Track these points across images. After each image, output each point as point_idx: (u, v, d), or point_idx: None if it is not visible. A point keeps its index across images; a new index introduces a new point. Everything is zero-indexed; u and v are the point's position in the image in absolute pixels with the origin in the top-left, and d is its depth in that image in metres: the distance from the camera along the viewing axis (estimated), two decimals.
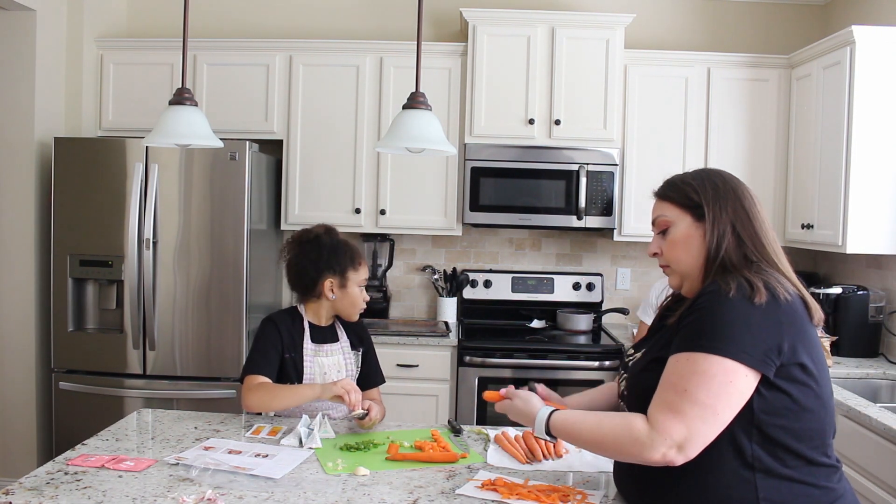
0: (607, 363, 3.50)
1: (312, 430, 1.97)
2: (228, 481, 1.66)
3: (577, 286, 4.06)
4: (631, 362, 1.59)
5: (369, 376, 2.38)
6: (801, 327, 1.38)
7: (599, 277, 4.09)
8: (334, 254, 2.28)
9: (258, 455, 1.84)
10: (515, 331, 3.90)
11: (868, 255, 3.52)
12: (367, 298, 2.35)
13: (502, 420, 3.56)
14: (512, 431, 2.06)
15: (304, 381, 2.24)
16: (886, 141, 3.19)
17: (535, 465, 1.86)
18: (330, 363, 2.28)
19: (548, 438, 1.55)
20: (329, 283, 2.27)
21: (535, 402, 1.62)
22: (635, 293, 4.17)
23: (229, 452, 1.85)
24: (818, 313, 1.44)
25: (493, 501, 1.59)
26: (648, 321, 3.21)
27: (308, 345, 2.27)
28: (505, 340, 3.65)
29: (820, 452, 1.39)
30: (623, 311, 3.98)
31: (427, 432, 2.09)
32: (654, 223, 1.58)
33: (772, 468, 1.35)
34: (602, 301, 4.08)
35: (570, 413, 1.54)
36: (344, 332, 2.36)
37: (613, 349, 3.54)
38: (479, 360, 3.49)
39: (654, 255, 1.57)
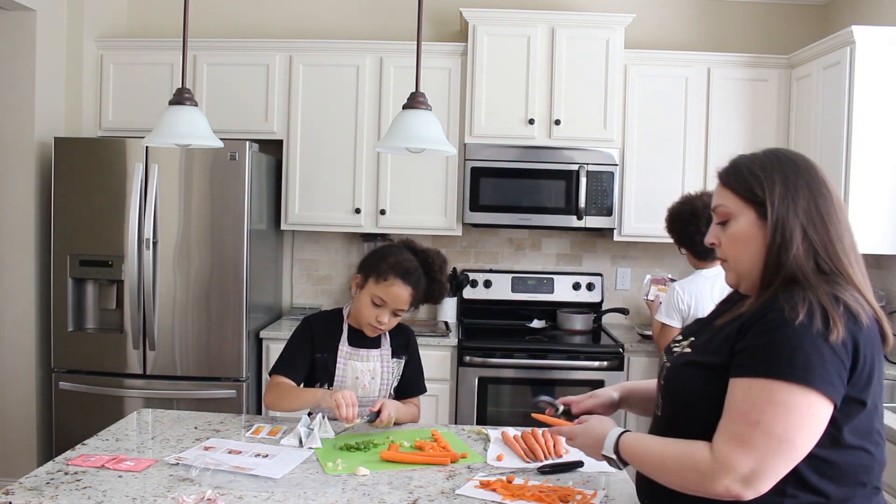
0: (607, 363, 3.50)
1: (312, 430, 1.97)
2: (228, 481, 1.66)
3: (577, 286, 4.06)
4: (677, 352, 1.46)
5: (410, 385, 2.31)
6: (874, 358, 1.25)
7: (599, 277, 4.09)
8: (374, 255, 2.23)
9: (258, 455, 1.84)
10: (515, 331, 3.90)
11: (868, 255, 3.52)
12: (382, 322, 2.16)
13: (502, 420, 3.57)
14: (511, 431, 2.06)
15: (334, 383, 2.20)
16: (886, 141, 3.19)
17: (535, 464, 1.85)
18: (364, 368, 2.22)
19: (614, 458, 1.44)
20: (357, 279, 2.24)
21: (608, 423, 1.51)
22: (635, 293, 4.17)
23: (229, 452, 1.85)
24: (891, 337, 1.31)
25: (492, 502, 1.59)
26: (673, 324, 3.03)
27: (344, 346, 2.22)
28: (505, 340, 3.65)
29: (860, 486, 1.28)
30: (623, 311, 3.98)
31: (427, 432, 2.08)
32: (714, 210, 1.42)
33: (799, 495, 1.26)
34: (602, 301, 4.08)
35: (638, 436, 1.44)
36: (388, 339, 2.28)
37: (613, 349, 3.54)
38: (479, 360, 3.49)
39: (712, 245, 1.43)
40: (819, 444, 1.23)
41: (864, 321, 1.24)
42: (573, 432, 1.55)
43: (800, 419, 1.20)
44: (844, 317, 1.23)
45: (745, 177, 1.36)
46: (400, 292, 2.14)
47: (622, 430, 1.46)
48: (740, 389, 1.25)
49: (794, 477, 1.25)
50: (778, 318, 1.24)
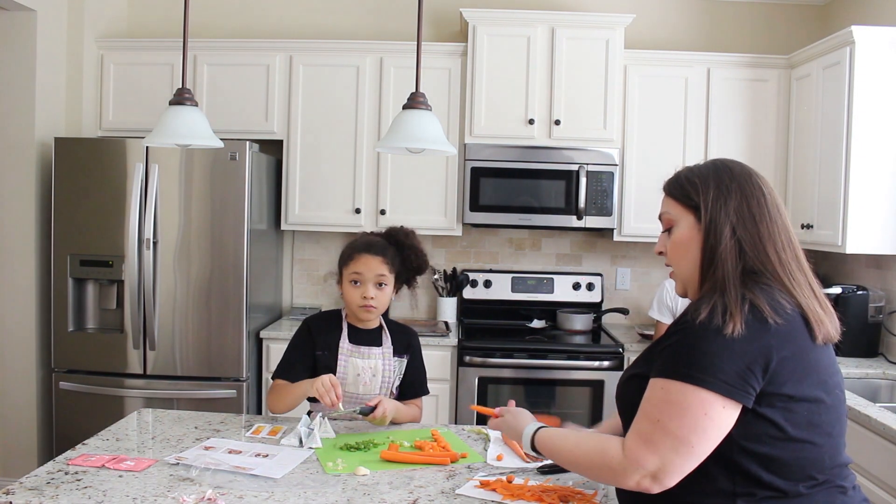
0: (607, 363, 3.50)
1: (312, 429, 1.97)
2: (228, 481, 1.66)
3: (576, 286, 4.06)
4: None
5: (412, 385, 2.32)
6: (796, 352, 1.25)
7: (599, 277, 4.09)
8: (343, 251, 2.29)
9: (258, 455, 1.84)
10: (515, 331, 3.90)
11: (868, 255, 3.52)
12: (367, 296, 2.17)
13: None
14: None
15: None
16: (886, 141, 3.19)
17: (535, 464, 1.85)
18: (365, 365, 2.23)
19: (534, 454, 1.53)
20: (337, 278, 2.30)
21: (524, 418, 1.60)
22: (635, 293, 4.18)
23: (229, 452, 1.85)
24: (821, 331, 1.30)
25: (492, 502, 1.59)
26: (664, 320, 3.18)
27: (345, 344, 2.24)
28: (505, 340, 3.65)
29: (811, 479, 1.27)
30: (623, 311, 3.99)
31: (427, 432, 2.09)
32: (659, 219, 1.49)
33: (755, 492, 1.26)
34: (602, 301, 4.08)
35: (554, 431, 1.50)
36: (389, 338, 2.30)
37: (613, 349, 3.54)
38: (479, 360, 3.50)
39: (660, 253, 1.48)
40: (762, 441, 1.25)
41: (770, 318, 1.25)
42: (495, 425, 1.70)
43: (693, 419, 1.23)
44: (748, 314, 1.25)
45: (683, 184, 1.44)
46: (369, 261, 2.20)
47: (538, 425, 1.54)
48: (649, 389, 1.31)
49: (742, 474, 1.27)
50: (683, 321, 1.30)
